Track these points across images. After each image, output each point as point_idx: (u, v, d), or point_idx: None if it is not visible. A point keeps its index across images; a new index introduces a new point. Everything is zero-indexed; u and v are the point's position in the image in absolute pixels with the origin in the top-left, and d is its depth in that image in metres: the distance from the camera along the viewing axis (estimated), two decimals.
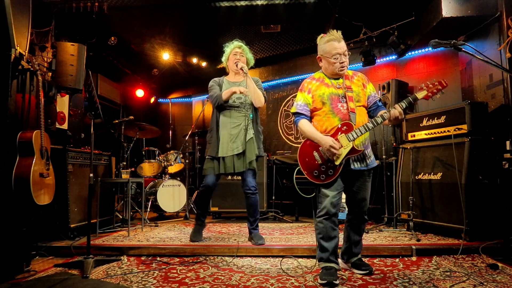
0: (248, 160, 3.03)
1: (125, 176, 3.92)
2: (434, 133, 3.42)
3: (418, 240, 3.05)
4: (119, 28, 4.90)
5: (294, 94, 6.11)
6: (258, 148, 3.10)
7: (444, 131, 3.32)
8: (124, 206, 4.28)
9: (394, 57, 4.89)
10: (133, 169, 4.79)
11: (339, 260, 2.43)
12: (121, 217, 4.27)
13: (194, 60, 6.26)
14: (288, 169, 5.03)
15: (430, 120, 3.49)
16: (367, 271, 2.35)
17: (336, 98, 2.25)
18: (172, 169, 5.15)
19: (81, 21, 4.25)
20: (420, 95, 2.16)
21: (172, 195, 4.78)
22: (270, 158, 4.96)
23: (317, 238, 2.26)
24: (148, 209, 4.79)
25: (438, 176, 3.28)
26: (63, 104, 4.13)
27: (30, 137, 2.51)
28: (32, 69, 2.66)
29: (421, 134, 3.58)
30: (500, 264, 2.44)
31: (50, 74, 3.50)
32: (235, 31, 5.67)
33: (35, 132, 2.55)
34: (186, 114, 7.66)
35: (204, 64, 6.42)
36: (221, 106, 3.10)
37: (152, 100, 7.44)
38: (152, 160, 4.99)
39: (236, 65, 3.08)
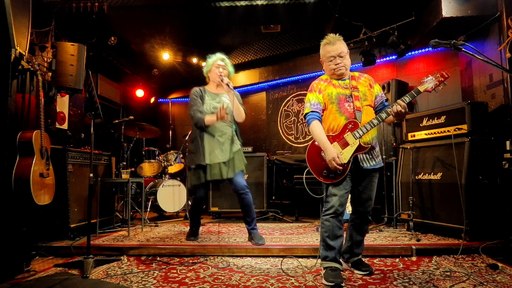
0: (238, 169, 3.09)
1: (125, 176, 3.92)
2: (434, 133, 3.42)
3: (418, 240, 3.05)
4: (119, 28, 4.90)
5: (294, 94, 6.11)
6: (244, 160, 3.19)
7: (444, 131, 3.32)
8: (124, 206, 4.29)
9: (394, 57, 4.89)
10: (133, 169, 4.79)
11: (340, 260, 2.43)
12: (121, 217, 4.27)
13: (194, 60, 6.26)
14: (288, 169, 5.04)
15: (430, 120, 3.49)
16: (367, 272, 2.35)
17: (343, 98, 2.29)
18: (172, 169, 5.15)
19: (81, 21, 4.24)
20: (422, 88, 2.17)
21: (172, 195, 4.78)
22: (270, 158, 4.96)
23: (323, 236, 2.26)
24: (148, 209, 4.79)
25: (438, 176, 3.28)
26: (63, 104, 4.12)
27: (30, 137, 2.51)
28: (32, 69, 2.66)
29: (421, 134, 3.58)
30: (500, 264, 2.44)
31: (50, 74, 3.49)
32: (235, 31, 5.67)
33: (35, 132, 2.56)
34: (186, 114, 7.54)
35: (204, 64, 6.41)
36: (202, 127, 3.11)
37: (152, 100, 7.44)
38: (152, 160, 4.99)
39: (222, 80, 3.12)
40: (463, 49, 1.98)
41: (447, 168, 3.20)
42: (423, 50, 4.69)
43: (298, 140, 5.98)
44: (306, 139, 5.84)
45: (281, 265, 2.59)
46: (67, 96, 4.16)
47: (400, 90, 4.29)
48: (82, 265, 2.48)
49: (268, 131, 6.41)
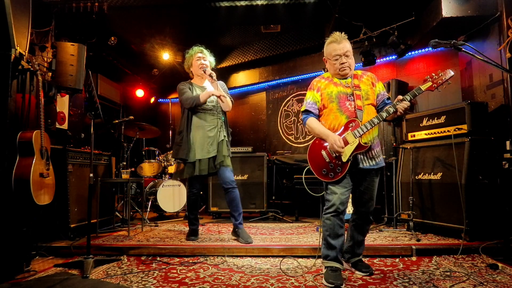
0: (219, 160, 3.12)
1: (125, 176, 3.92)
2: (434, 133, 3.42)
3: (418, 240, 3.05)
4: (119, 28, 4.90)
5: (294, 94, 6.11)
6: (228, 150, 3.21)
7: (444, 131, 3.32)
8: (124, 206, 4.28)
9: (394, 57, 4.89)
10: (133, 169, 4.79)
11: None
12: (121, 217, 4.27)
13: None
14: (288, 169, 5.04)
15: (430, 120, 3.49)
16: (368, 272, 2.35)
17: (344, 97, 2.28)
18: (172, 169, 5.14)
19: (81, 21, 4.24)
20: (424, 86, 2.15)
21: (172, 195, 4.78)
22: (270, 158, 4.96)
23: (324, 235, 2.26)
24: (148, 209, 4.79)
25: (438, 176, 3.28)
26: (63, 104, 4.13)
27: (30, 137, 2.51)
28: (32, 69, 2.66)
29: (421, 134, 3.58)
30: (500, 264, 2.45)
31: (50, 74, 3.49)
32: (235, 31, 5.67)
33: (35, 132, 2.56)
34: None
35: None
36: (195, 109, 3.17)
37: (152, 100, 7.44)
38: (152, 160, 4.99)
39: (204, 71, 3.17)
40: (463, 49, 1.98)
41: (447, 168, 3.20)
42: (423, 50, 4.69)
43: (298, 140, 5.98)
44: (306, 139, 5.84)
45: (281, 265, 2.59)
46: (67, 96, 4.16)
47: (400, 90, 4.29)
48: (82, 265, 2.48)
49: (268, 131, 6.41)
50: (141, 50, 5.80)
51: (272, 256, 2.83)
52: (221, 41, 5.86)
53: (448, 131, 3.27)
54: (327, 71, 2.48)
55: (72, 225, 3.29)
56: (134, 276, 2.38)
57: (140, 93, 7.07)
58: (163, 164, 5.01)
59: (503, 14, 3.33)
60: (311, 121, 2.34)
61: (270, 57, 6.11)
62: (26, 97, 2.67)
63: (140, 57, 6.05)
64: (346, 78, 2.35)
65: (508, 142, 3.06)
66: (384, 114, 2.18)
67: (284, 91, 6.27)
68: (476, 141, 3.07)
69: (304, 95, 2.47)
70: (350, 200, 2.84)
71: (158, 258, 2.84)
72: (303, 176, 3.07)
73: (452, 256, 2.71)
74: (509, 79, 3.26)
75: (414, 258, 2.73)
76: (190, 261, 2.74)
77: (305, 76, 5.97)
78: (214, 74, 3.12)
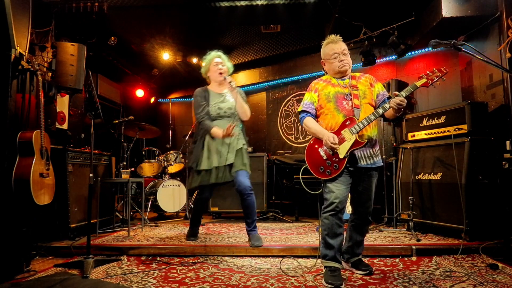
0: (239, 168, 3.00)
1: (125, 176, 3.92)
2: (434, 133, 3.42)
3: (418, 240, 3.05)
4: (119, 28, 4.90)
5: (294, 94, 6.11)
6: (247, 158, 3.12)
7: (444, 131, 3.32)
8: (124, 206, 4.28)
9: (394, 57, 4.89)
10: (133, 169, 4.79)
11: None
12: (121, 217, 4.27)
13: (194, 60, 6.26)
14: (288, 169, 5.04)
15: (430, 120, 3.49)
16: (367, 272, 2.35)
17: (342, 96, 2.30)
18: (172, 169, 5.15)
19: (81, 21, 4.24)
20: (419, 83, 2.15)
21: (172, 195, 4.78)
22: (270, 158, 4.96)
23: (322, 234, 2.26)
24: (148, 209, 4.79)
25: (438, 176, 3.28)
26: (63, 104, 4.13)
27: (30, 137, 2.51)
28: (32, 69, 2.66)
29: (421, 134, 3.58)
30: (500, 264, 2.44)
31: (50, 74, 3.49)
32: (235, 31, 5.67)
33: (35, 132, 2.56)
34: (186, 114, 7.65)
35: (204, 64, 6.42)
36: (212, 117, 3.09)
37: (152, 100, 7.44)
38: (152, 160, 4.99)
39: (225, 79, 3.07)
40: (463, 49, 1.98)
41: (447, 168, 3.20)
42: (423, 50, 4.69)
43: (298, 140, 5.98)
44: (306, 139, 5.84)
45: (281, 265, 2.59)
46: (67, 96, 4.16)
47: (400, 90, 4.26)
48: (82, 265, 2.48)
49: (268, 131, 6.41)
50: (141, 50, 5.80)
51: (272, 256, 2.83)
52: (221, 41, 5.86)
53: (448, 131, 3.27)
54: (327, 72, 2.49)
55: (72, 225, 3.29)
56: (134, 276, 2.38)
57: (140, 93, 7.07)
58: (163, 164, 5.01)
59: (503, 14, 3.33)
60: (308, 120, 2.37)
61: (270, 57, 6.11)
62: (26, 97, 2.67)
63: (140, 57, 6.05)
64: (344, 79, 2.37)
65: (508, 142, 3.06)
66: (381, 111, 2.19)
67: (284, 91, 6.27)
68: (476, 141, 3.07)
69: (304, 95, 2.48)
70: (349, 200, 2.84)
71: (158, 258, 2.84)
72: (300, 175, 3.06)
73: (452, 256, 2.71)
74: (509, 79, 3.26)
75: (414, 258, 2.73)
76: (190, 261, 2.74)
77: (305, 76, 5.97)
78: (234, 82, 3.02)
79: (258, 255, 2.86)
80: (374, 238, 3.20)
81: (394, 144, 4.09)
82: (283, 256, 2.80)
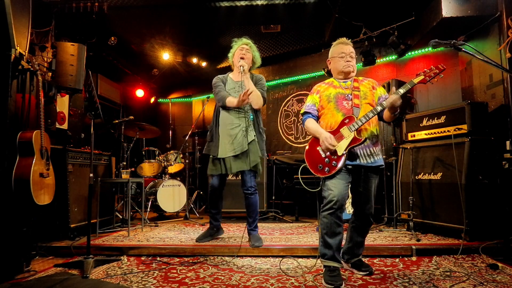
0: (253, 163, 2.98)
1: (125, 176, 3.92)
2: (434, 133, 3.42)
3: (418, 240, 3.05)
4: (119, 28, 4.90)
5: (294, 94, 6.11)
6: (261, 150, 3.06)
7: (444, 131, 3.32)
8: (124, 206, 4.28)
9: (394, 57, 4.90)
10: (133, 169, 4.79)
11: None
12: (121, 217, 4.27)
13: (194, 60, 6.26)
14: (288, 169, 5.04)
15: (430, 120, 3.49)
16: (367, 272, 2.35)
17: (342, 97, 2.34)
18: (172, 169, 5.14)
19: (81, 21, 4.24)
20: (416, 79, 2.16)
21: (172, 195, 4.78)
22: (270, 158, 4.96)
23: (321, 233, 2.26)
24: (148, 209, 4.79)
25: (438, 176, 3.28)
26: (63, 104, 4.13)
27: (30, 137, 2.51)
28: (32, 69, 2.66)
29: (421, 134, 3.58)
30: (500, 264, 2.44)
31: (50, 74, 3.49)
32: (235, 31, 5.67)
33: (35, 132, 2.56)
34: (186, 114, 7.66)
35: (204, 64, 6.43)
36: (223, 106, 3.08)
37: (152, 100, 7.44)
38: (152, 160, 4.99)
39: (243, 70, 2.97)
40: (463, 49, 1.98)
41: (447, 168, 3.20)
42: (423, 50, 4.69)
43: (298, 140, 5.98)
44: (306, 139, 5.84)
45: (281, 265, 2.59)
46: (67, 96, 4.16)
47: None
48: (82, 265, 2.48)
49: (268, 131, 6.41)
50: (141, 50, 5.81)
51: (272, 256, 2.83)
52: (221, 41, 5.85)
53: (448, 131, 3.27)
54: (327, 71, 2.51)
55: (72, 225, 3.29)
56: (134, 276, 2.38)
57: (140, 93, 7.07)
58: (163, 164, 5.01)
59: (503, 14, 3.33)
60: (308, 121, 2.42)
61: (270, 57, 6.11)
62: (26, 97, 2.67)
63: (140, 57, 6.05)
64: (346, 81, 2.40)
65: (508, 142, 3.06)
66: (379, 108, 2.20)
67: (284, 91, 6.27)
68: (476, 141, 3.07)
69: (305, 95, 2.51)
70: (350, 200, 2.83)
71: (158, 258, 2.84)
72: (299, 174, 3.05)
73: (452, 256, 2.71)
74: (509, 79, 3.26)
75: (414, 258, 2.73)
76: (190, 261, 2.74)
77: (305, 76, 5.97)
78: (245, 66, 2.94)
79: (258, 255, 2.86)
80: (374, 238, 3.20)
81: (394, 144, 4.08)
82: (283, 256, 2.80)
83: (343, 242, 2.45)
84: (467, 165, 3.03)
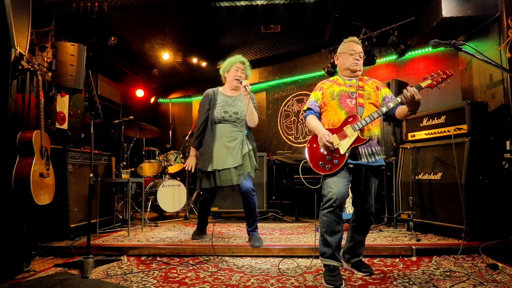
0: (246, 172, 3.02)
1: (125, 176, 3.92)
2: (434, 133, 3.42)
3: (418, 240, 3.05)
4: (119, 28, 4.90)
5: (294, 94, 6.11)
6: (256, 161, 3.12)
7: (444, 131, 3.32)
8: (124, 206, 4.28)
9: (394, 57, 4.90)
10: (133, 169, 4.79)
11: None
12: (121, 217, 4.27)
13: (194, 60, 6.27)
14: (288, 169, 5.04)
15: (430, 120, 3.49)
16: (368, 273, 2.35)
17: (346, 95, 2.33)
18: (172, 169, 5.14)
19: (81, 21, 4.25)
20: (424, 84, 2.12)
21: (172, 195, 4.78)
22: (270, 158, 4.96)
23: (321, 231, 2.25)
24: (148, 209, 4.79)
25: (438, 176, 3.28)
26: (63, 104, 4.13)
27: (30, 137, 2.51)
28: (32, 69, 2.66)
29: (421, 134, 3.58)
30: (500, 264, 2.44)
31: (50, 74, 3.50)
32: (235, 31, 5.68)
33: (35, 132, 2.55)
34: (186, 114, 7.66)
35: (204, 64, 6.43)
36: (216, 120, 3.09)
37: (152, 100, 7.44)
38: (152, 160, 4.99)
39: (240, 83, 2.99)
40: (463, 49, 1.98)
41: (447, 168, 3.20)
42: (423, 50, 4.69)
43: (298, 140, 5.98)
44: (306, 139, 5.83)
45: (280, 265, 2.58)
46: (67, 96, 4.16)
47: (400, 90, 4.26)
48: (82, 265, 2.48)
49: (268, 131, 6.42)
50: (141, 50, 5.81)
51: (272, 256, 2.83)
52: (221, 41, 5.87)
53: (448, 131, 3.27)
54: (327, 71, 2.51)
55: (72, 225, 3.29)
56: (134, 276, 2.38)
57: (140, 93, 7.07)
58: (163, 164, 5.01)
59: (503, 14, 3.33)
60: (309, 118, 2.42)
61: (270, 57, 6.11)
62: (26, 97, 2.67)
63: (140, 57, 6.05)
64: (351, 80, 2.39)
65: (508, 142, 3.06)
66: (384, 109, 2.19)
67: (284, 91, 6.28)
68: (476, 141, 3.07)
69: (304, 95, 2.52)
70: (350, 200, 2.83)
71: (158, 258, 2.84)
72: (300, 171, 3.06)
73: (452, 256, 2.71)
74: (509, 79, 3.26)
75: (414, 258, 2.73)
76: (190, 261, 2.74)
77: (305, 76, 5.97)
78: (249, 87, 2.96)
79: (258, 255, 2.86)
80: (374, 238, 3.20)
81: (394, 144, 4.08)
82: (283, 256, 2.80)
83: (344, 242, 2.45)
84: (467, 165, 3.03)
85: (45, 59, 3.70)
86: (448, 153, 3.22)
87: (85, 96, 4.50)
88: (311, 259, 2.65)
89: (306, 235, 3.44)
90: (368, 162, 2.26)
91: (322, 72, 5.14)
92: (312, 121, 2.38)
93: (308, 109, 2.45)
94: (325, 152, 2.26)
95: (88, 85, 3.02)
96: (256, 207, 3.08)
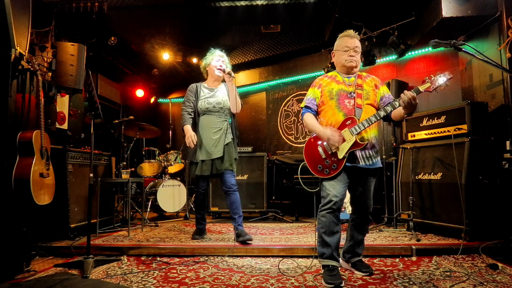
0: (228, 163, 3.16)
1: (125, 176, 3.92)
2: (434, 133, 3.42)
3: (418, 240, 3.05)
4: (119, 28, 4.90)
5: (294, 94, 6.11)
6: (235, 153, 3.25)
7: (444, 131, 3.32)
8: (124, 206, 4.29)
9: (394, 57, 4.89)
10: (133, 169, 4.79)
11: (340, 260, 2.43)
12: (121, 217, 4.27)
13: (194, 60, 6.26)
14: (288, 169, 5.04)
15: (430, 120, 3.49)
16: (368, 273, 2.35)
17: (344, 94, 2.29)
18: (172, 169, 5.15)
19: (81, 21, 4.25)
20: (422, 87, 2.11)
21: (172, 195, 4.78)
22: (270, 158, 4.96)
23: (319, 232, 2.25)
24: (148, 209, 4.79)
25: (438, 176, 3.28)
26: (63, 104, 4.13)
27: (30, 137, 2.51)
28: (32, 69, 2.66)
29: (421, 134, 3.58)
30: (500, 264, 2.44)
31: (50, 74, 3.49)
32: (235, 31, 5.68)
33: (35, 132, 2.55)
34: None
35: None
36: (201, 111, 3.25)
37: (152, 100, 7.44)
38: (152, 160, 4.99)
39: (223, 71, 3.18)
40: (463, 49, 1.98)
41: (447, 168, 3.20)
42: (423, 50, 4.69)
43: (298, 140, 5.98)
44: (306, 139, 5.83)
45: (280, 265, 2.58)
46: (67, 96, 4.16)
47: (400, 90, 4.26)
48: (82, 265, 2.48)
49: (268, 131, 6.41)
50: (141, 50, 5.81)
51: (272, 256, 2.84)
52: (221, 41, 5.86)
53: (448, 131, 3.27)
54: (326, 71, 2.49)
55: (72, 225, 3.29)
56: (134, 276, 2.38)
57: (140, 93, 7.07)
58: (163, 164, 5.01)
59: (503, 14, 3.33)
60: (307, 116, 2.38)
61: (270, 57, 6.11)
62: (26, 97, 2.67)
63: (140, 57, 6.05)
64: (350, 77, 2.36)
65: (508, 142, 3.06)
66: (382, 113, 2.17)
67: (284, 91, 6.27)
68: (476, 141, 3.07)
69: (304, 95, 2.49)
70: (349, 200, 2.83)
71: (158, 258, 2.84)
72: (299, 174, 3.07)
73: (452, 256, 2.71)
74: (509, 79, 3.26)
75: (414, 258, 2.73)
76: (190, 261, 2.74)
77: (305, 76, 5.97)
78: (232, 73, 3.12)
79: (258, 255, 2.86)
80: (374, 238, 3.20)
81: (394, 144, 4.08)
82: (283, 256, 2.80)
83: (343, 242, 2.46)
84: (467, 165, 3.03)
85: (45, 59, 3.70)
86: (448, 153, 3.22)
87: (85, 96, 4.50)
88: (311, 259, 2.65)
89: (306, 235, 3.44)
90: (366, 165, 2.25)
91: (322, 72, 5.13)
92: (311, 120, 2.35)
93: (306, 106, 2.41)
94: (324, 155, 2.25)
95: (88, 85, 3.03)
96: (238, 201, 3.21)
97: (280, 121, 6.26)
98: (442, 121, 3.37)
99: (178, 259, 2.80)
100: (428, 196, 3.36)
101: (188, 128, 3.23)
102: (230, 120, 3.27)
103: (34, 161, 2.49)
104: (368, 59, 4.56)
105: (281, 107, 6.26)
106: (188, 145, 3.16)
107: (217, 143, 3.16)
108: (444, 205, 3.19)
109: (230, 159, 3.18)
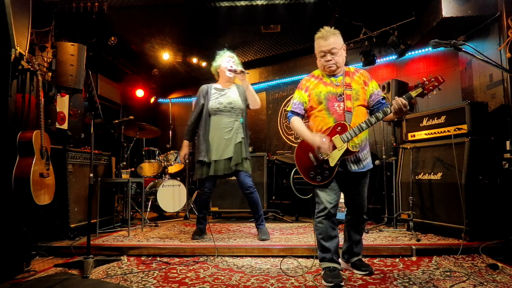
0: (235, 162, 3.16)
1: (125, 176, 3.92)
2: (434, 133, 3.42)
3: (418, 240, 3.05)
4: (119, 28, 4.90)
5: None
6: (246, 152, 3.25)
7: (444, 131, 3.32)
8: (124, 206, 4.28)
9: (394, 57, 4.89)
10: (133, 169, 4.79)
11: (340, 260, 2.43)
12: (121, 217, 4.27)
13: (194, 60, 6.26)
14: (288, 169, 5.03)
15: (430, 120, 3.49)
16: (367, 272, 2.35)
17: (333, 97, 2.22)
18: (172, 169, 5.15)
19: (81, 21, 4.25)
20: (414, 93, 2.05)
21: (172, 195, 4.78)
22: (270, 158, 4.96)
23: (317, 238, 2.26)
24: (148, 209, 4.79)
25: (438, 176, 3.28)
26: (63, 104, 4.12)
27: (30, 137, 2.51)
28: (32, 69, 2.66)
29: (421, 134, 3.58)
30: (500, 264, 2.44)
31: (50, 74, 3.49)
32: (235, 31, 5.67)
33: (35, 132, 2.55)
34: (186, 114, 7.64)
35: (204, 64, 6.42)
36: (212, 111, 3.25)
37: (152, 100, 7.44)
38: (152, 160, 4.99)
39: (235, 71, 3.17)
40: (463, 49, 1.98)
41: (447, 168, 3.20)
42: (423, 50, 4.68)
43: (298, 140, 5.95)
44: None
45: (281, 265, 2.58)
46: (67, 96, 4.16)
47: (400, 90, 4.28)
48: (82, 265, 2.48)
49: (268, 131, 6.41)
50: (141, 50, 5.80)
51: (272, 256, 2.83)
52: (221, 41, 5.85)
53: (448, 131, 3.27)
54: None
55: (72, 225, 3.29)
56: (134, 276, 2.38)
57: (140, 93, 7.07)
58: (163, 164, 5.01)
59: (503, 14, 3.33)
60: (295, 121, 2.33)
61: (270, 57, 6.11)
62: (26, 97, 2.67)
63: (140, 57, 6.05)
64: (337, 77, 2.27)
65: (508, 142, 3.06)
66: (373, 120, 2.12)
67: (284, 91, 6.27)
68: (476, 141, 3.07)
69: (295, 92, 2.45)
70: (344, 201, 2.82)
71: (158, 258, 2.84)
72: (292, 176, 3.10)
73: (452, 256, 2.71)
74: (509, 79, 3.26)
75: (414, 258, 2.73)
76: (190, 261, 2.74)
77: (305, 76, 5.96)
78: (244, 70, 3.12)
79: (258, 255, 2.86)
80: (374, 238, 3.20)
81: (394, 144, 4.08)
82: (283, 256, 2.80)
83: (341, 243, 2.46)
84: (467, 165, 3.03)
85: (45, 59, 3.70)
86: (448, 153, 3.22)
87: (85, 96, 4.50)
88: (312, 259, 2.65)
89: (306, 235, 3.44)
90: (356, 169, 2.23)
91: None
92: (298, 125, 2.29)
93: (292, 111, 2.35)
94: (315, 163, 2.22)
95: (88, 85, 3.03)
96: (258, 202, 3.23)
97: (280, 121, 6.26)
98: (442, 121, 3.37)
99: (178, 259, 2.80)
100: (428, 196, 3.36)
101: (185, 144, 3.31)
102: (241, 120, 3.28)
103: (34, 161, 2.49)
104: (368, 59, 4.56)
105: (281, 107, 6.26)
106: (182, 161, 3.18)
107: (229, 143, 3.18)
108: (444, 205, 3.19)
109: (239, 158, 3.17)
